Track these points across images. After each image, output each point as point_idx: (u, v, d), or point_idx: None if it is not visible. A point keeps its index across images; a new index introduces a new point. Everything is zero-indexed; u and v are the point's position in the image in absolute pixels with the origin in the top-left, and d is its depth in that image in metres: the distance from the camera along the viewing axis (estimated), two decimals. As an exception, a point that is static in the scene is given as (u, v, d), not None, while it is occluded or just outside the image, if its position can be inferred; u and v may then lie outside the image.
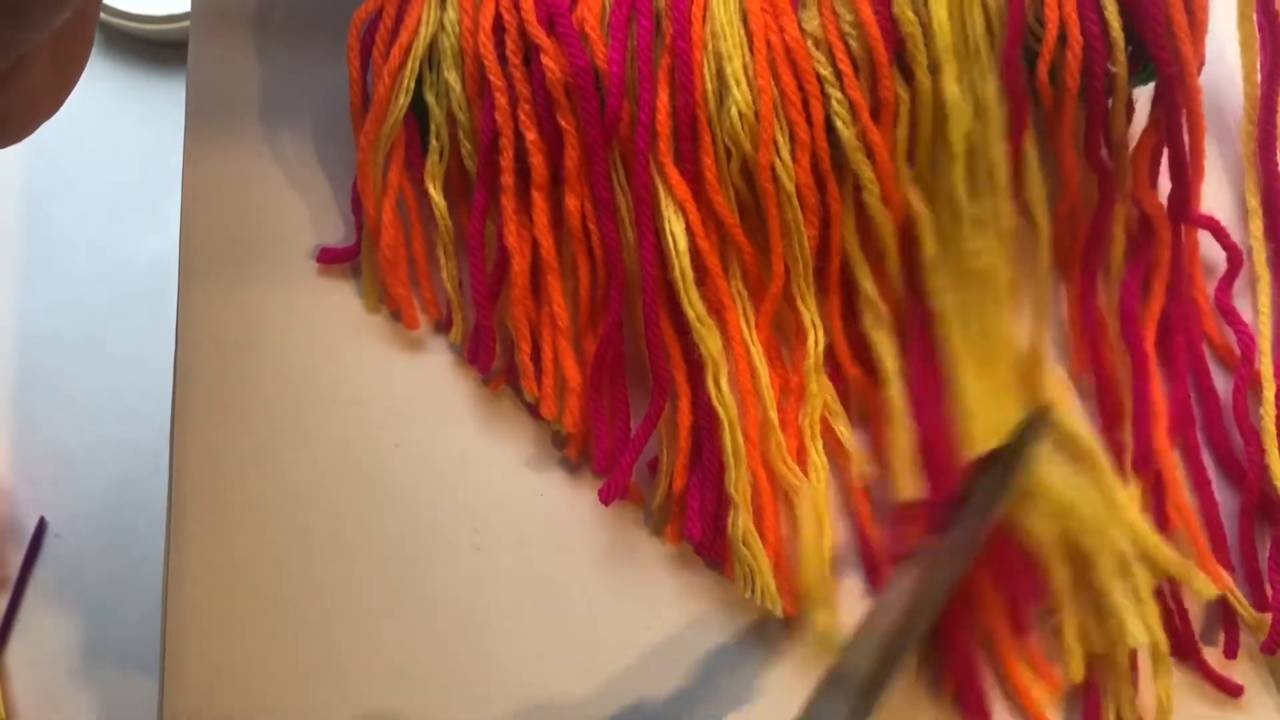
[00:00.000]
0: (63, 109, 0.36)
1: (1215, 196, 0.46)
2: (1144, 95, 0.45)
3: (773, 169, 0.42)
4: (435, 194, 0.44)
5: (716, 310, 0.43)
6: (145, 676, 0.78)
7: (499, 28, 0.42)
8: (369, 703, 0.43)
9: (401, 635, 0.43)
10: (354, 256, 0.46)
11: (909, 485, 0.42)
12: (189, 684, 0.43)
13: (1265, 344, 0.45)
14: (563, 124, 0.42)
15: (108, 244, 0.89)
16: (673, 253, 0.42)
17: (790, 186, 0.42)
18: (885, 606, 0.38)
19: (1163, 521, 0.43)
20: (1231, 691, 0.43)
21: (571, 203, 0.43)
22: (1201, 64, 0.43)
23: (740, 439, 0.42)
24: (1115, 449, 0.44)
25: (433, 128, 0.44)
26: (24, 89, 0.33)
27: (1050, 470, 0.42)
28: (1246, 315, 0.46)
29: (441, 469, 0.45)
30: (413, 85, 0.43)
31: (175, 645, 0.43)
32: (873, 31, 0.41)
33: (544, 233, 0.43)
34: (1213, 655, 0.44)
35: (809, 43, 0.42)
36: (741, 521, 0.42)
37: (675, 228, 0.42)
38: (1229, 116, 0.48)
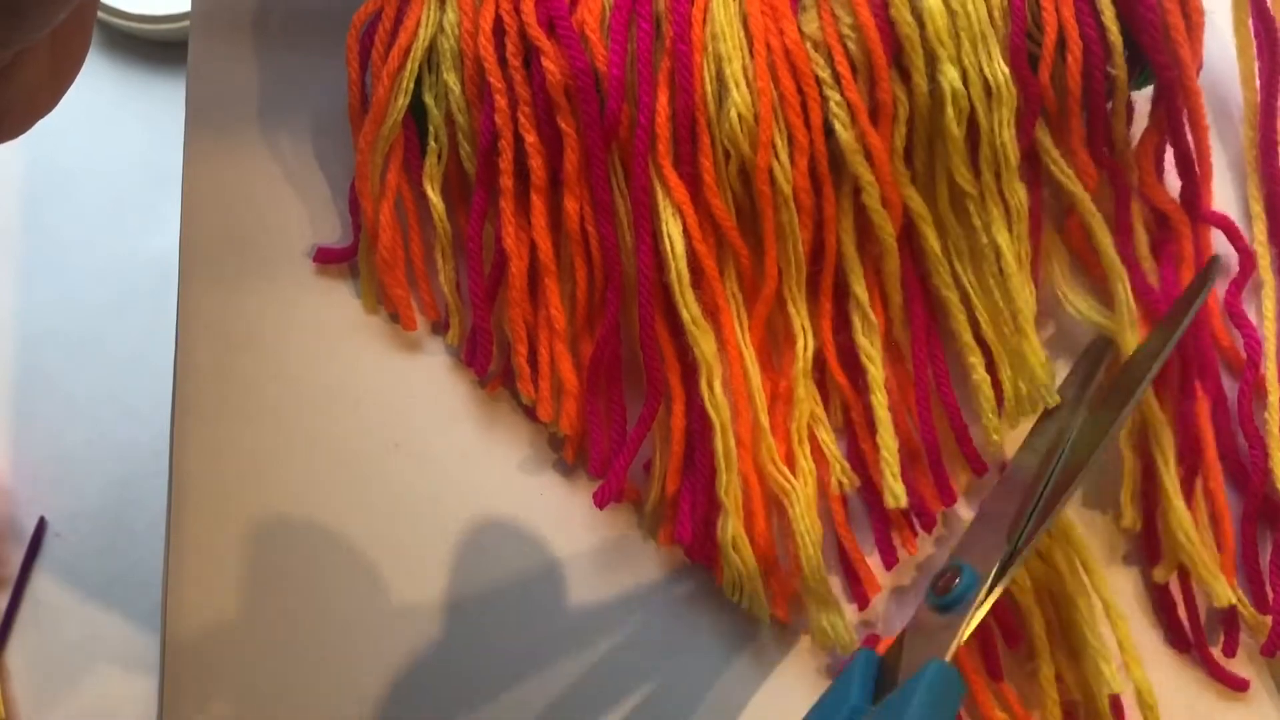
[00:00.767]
0: (63, 108, 0.36)
1: (1218, 201, 0.46)
2: (1141, 97, 0.45)
3: (770, 171, 0.42)
4: (433, 196, 0.44)
5: (711, 313, 0.43)
6: (145, 675, 0.78)
7: (499, 30, 0.42)
8: (368, 702, 0.43)
9: (400, 634, 0.43)
10: (350, 257, 0.46)
11: (896, 492, 0.42)
12: (189, 683, 0.43)
13: (1270, 348, 0.45)
14: (562, 126, 0.42)
15: (107, 243, 0.89)
16: (669, 255, 0.42)
17: (787, 189, 0.42)
18: (1025, 456, 0.42)
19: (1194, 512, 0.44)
20: (1236, 686, 0.43)
21: (570, 205, 0.43)
22: (1200, 66, 0.43)
23: (732, 443, 0.42)
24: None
25: (431, 129, 0.44)
26: (22, 85, 0.33)
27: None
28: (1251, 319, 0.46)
29: (440, 470, 0.45)
30: (411, 87, 0.43)
31: (175, 644, 0.43)
32: (871, 34, 0.41)
33: (542, 235, 0.43)
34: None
35: (808, 45, 0.42)
36: (731, 525, 0.42)
37: (673, 230, 0.42)
38: (1228, 119, 0.48)
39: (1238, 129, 0.48)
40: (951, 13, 0.41)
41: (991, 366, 0.44)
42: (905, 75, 0.42)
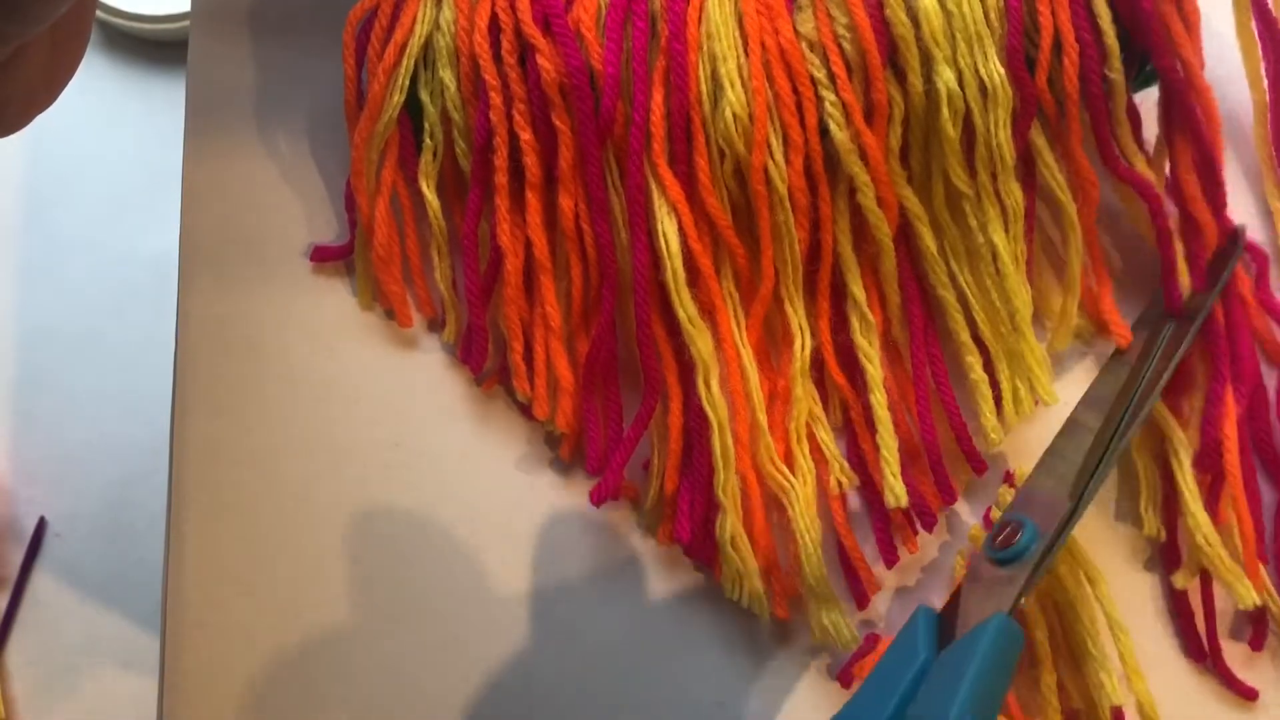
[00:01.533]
0: (63, 108, 0.36)
1: (1234, 200, 0.46)
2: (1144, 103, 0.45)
3: (765, 171, 0.42)
4: (429, 193, 0.44)
5: (708, 312, 0.43)
6: (144, 675, 0.78)
7: (494, 27, 0.42)
8: (368, 701, 0.43)
9: (398, 633, 0.43)
10: (346, 255, 0.46)
11: (897, 491, 0.42)
12: (189, 682, 0.43)
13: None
14: (557, 124, 0.42)
15: (108, 242, 0.89)
16: (665, 254, 0.42)
17: (782, 189, 0.42)
18: (1088, 406, 0.43)
19: (1216, 514, 0.43)
20: (1247, 695, 0.43)
21: (565, 203, 0.43)
22: (1202, 64, 0.43)
23: (729, 442, 0.42)
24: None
25: (427, 126, 0.44)
26: (20, 81, 0.33)
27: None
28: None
29: (437, 468, 0.45)
30: (407, 84, 0.43)
31: (175, 644, 0.43)
32: (866, 34, 0.41)
33: (537, 233, 0.43)
34: (1234, 650, 0.44)
35: (803, 45, 0.42)
36: (730, 524, 0.42)
37: (668, 228, 0.42)
38: (1233, 120, 0.48)
39: (1236, 131, 0.48)
40: (947, 13, 0.41)
41: (989, 366, 0.44)
42: (901, 75, 0.42)
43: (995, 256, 0.43)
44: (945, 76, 0.41)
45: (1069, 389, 0.45)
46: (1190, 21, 0.43)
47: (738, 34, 0.42)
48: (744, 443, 0.43)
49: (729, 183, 0.42)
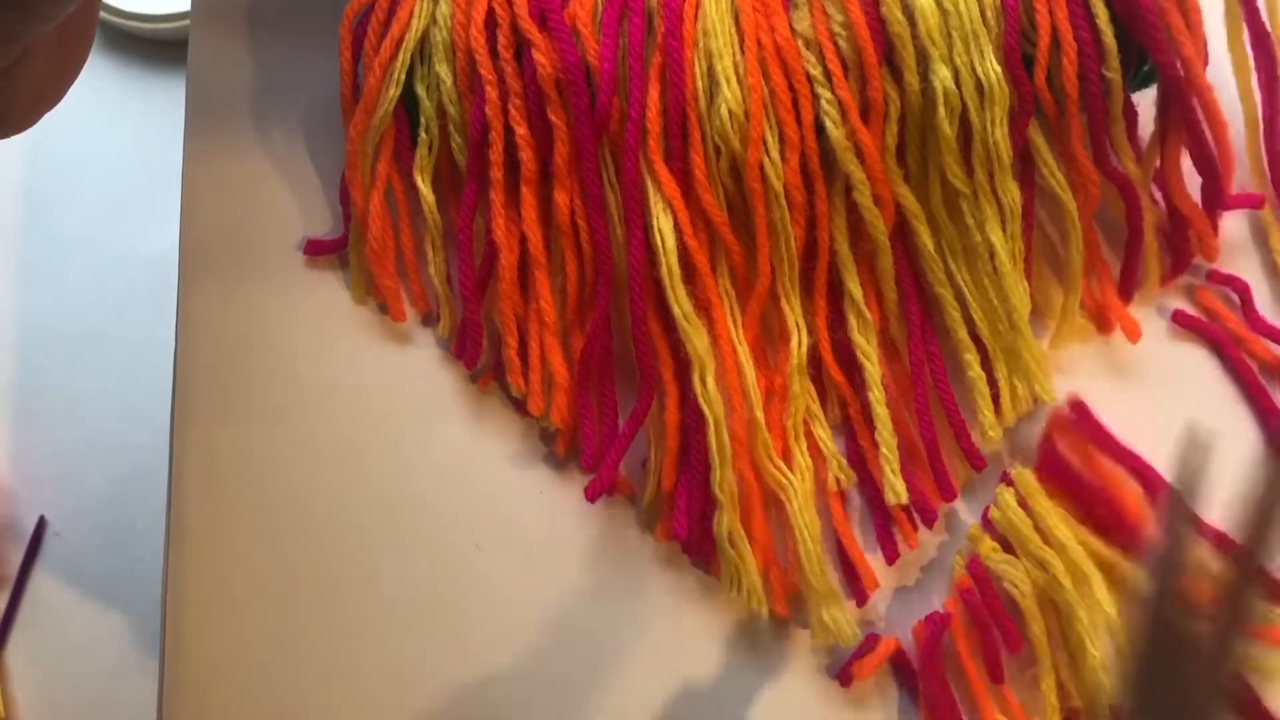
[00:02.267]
0: (63, 107, 0.37)
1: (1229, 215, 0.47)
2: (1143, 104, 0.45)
3: (761, 168, 0.42)
4: (424, 187, 0.44)
5: (704, 308, 0.43)
6: (145, 674, 0.78)
7: (491, 22, 0.42)
8: (369, 701, 0.43)
9: (397, 631, 0.43)
10: (339, 248, 0.46)
11: (897, 489, 0.42)
12: (189, 682, 0.43)
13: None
14: (553, 119, 0.42)
15: (107, 242, 0.89)
16: (660, 250, 0.42)
17: (778, 186, 0.42)
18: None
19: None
20: None
21: (561, 198, 0.43)
22: (1206, 61, 0.43)
23: (726, 438, 0.42)
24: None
25: (423, 121, 0.44)
26: (28, 81, 0.34)
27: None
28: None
29: (440, 466, 0.45)
30: (403, 78, 0.43)
31: (175, 643, 0.43)
32: (862, 32, 0.41)
33: (532, 228, 0.43)
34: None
35: (799, 42, 0.42)
36: (727, 521, 0.42)
37: (663, 225, 0.42)
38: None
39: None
40: (943, 12, 0.41)
41: (987, 364, 0.44)
42: (897, 74, 0.42)
43: (992, 255, 0.43)
44: (942, 75, 0.41)
45: (1065, 387, 0.45)
46: (1191, 19, 0.43)
47: (734, 31, 0.42)
48: (741, 440, 0.42)
49: (725, 180, 0.42)
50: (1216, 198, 0.45)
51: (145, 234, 0.89)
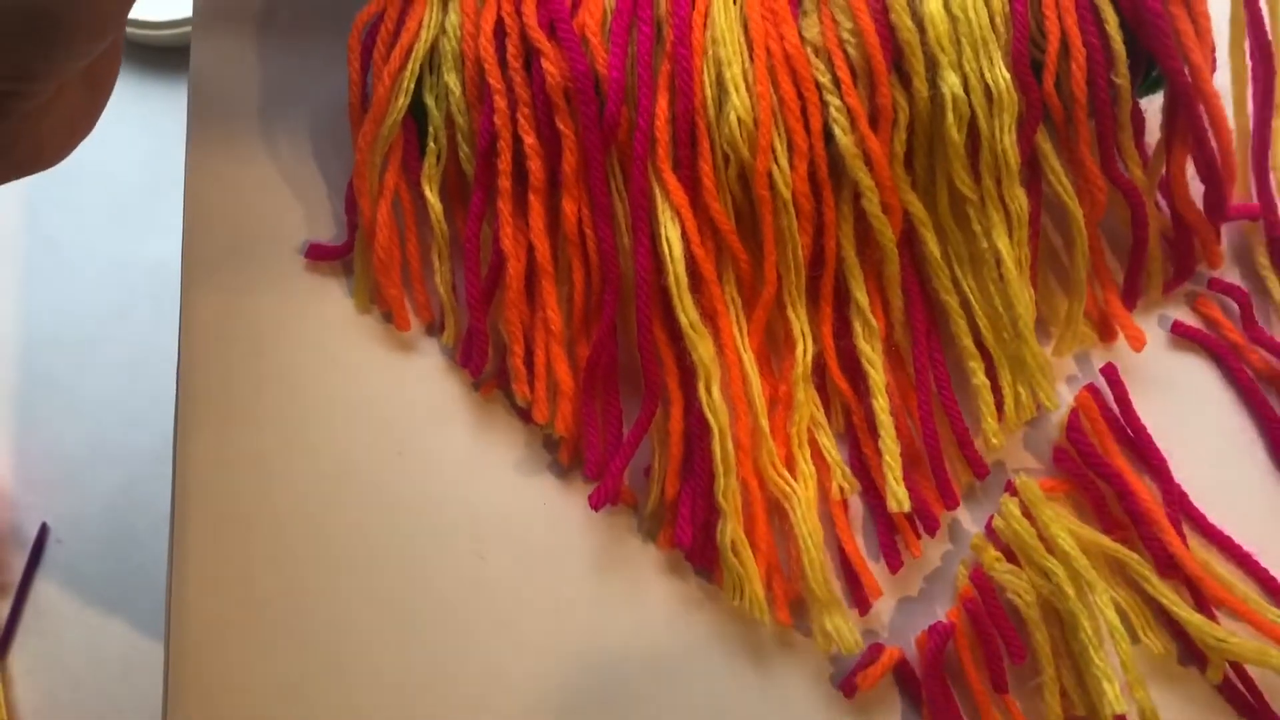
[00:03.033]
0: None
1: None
2: (1151, 111, 0.45)
3: (770, 176, 0.42)
4: (431, 196, 0.44)
5: (710, 317, 0.43)
6: (148, 681, 0.78)
7: (500, 32, 0.42)
8: (374, 710, 0.43)
9: (400, 638, 0.43)
10: (342, 255, 0.46)
11: (899, 496, 0.42)
12: (194, 689, 0.43)
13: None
14: (562, 128, 0.42)
15: (109, 248, 0.90)
16: (668, 258, 0.42)
17: (786, 194, 0.42)
18: None
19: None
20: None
21: (569, 207, 0.43)
22: (1214, 68, 0.43)
23: (730, 447, 0.42)
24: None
25: (431, 130, 0.44)
26: (62, 115, 0.35)
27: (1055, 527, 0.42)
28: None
29: (436, 472, 0.45)
30: (412, 87, 0.43)
31: (179, 651, 0.43)
32: (871, 39, 0.41)
33: (540, 237, 0.43)
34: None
35: (808, 50, 0.42)
36: (730, 529, 0.42)
37: (671, 233, 0.42)
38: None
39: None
40: (952, 18, 0.41)
41: (991, 371, 0.44)
42: (906, 80, 0.42)
43: (999, 262, 0.43)
44: (950, 81, 0.41)
45: (1068, 395, 0.45)
46: (1200, 26, 0.42)
47: (742, 39, 0.42)
48: (745, 448, 0.42)
49: (733, 188, 0.42)
50: (1219, 206, 0.45)
51: (147, 240, 0.89)
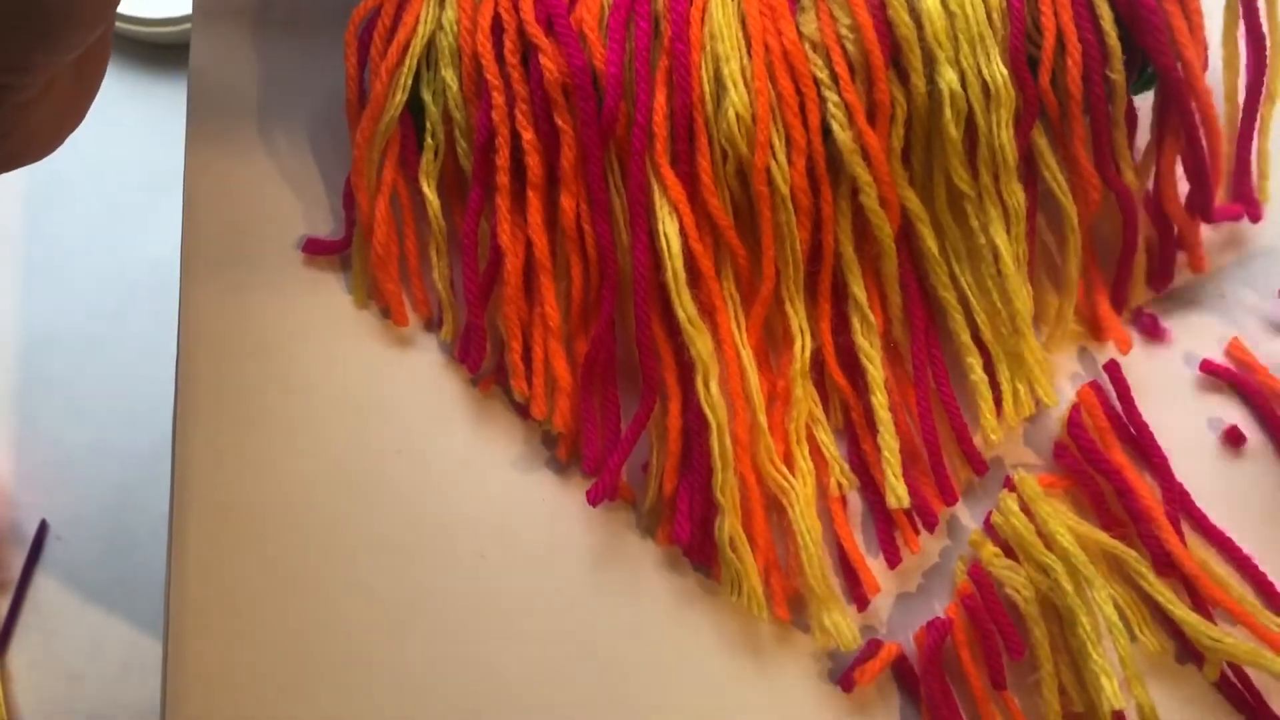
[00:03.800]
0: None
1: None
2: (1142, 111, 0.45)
3: (768, 172, 0.42)
4: (429, 192, 0.44)
5: (708, 312, 0.43)
6: (147, 679, 0.78)
7: (497, 27, 0.42)
8: (372, 708, 0.43)
9: (398, 637, 0.43)
10: (340, 249, 0.46)
11: (899, 493, 0.42)
12: (192, 686, 0.43)
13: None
14: (560, 124, 0.42)
15: (109, 247, 0.90)
16: (666, 254, 0.42)
17: (785, 189, 0.42)
18: None
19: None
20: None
21: (567, 202, 0.43)
22: (1205, 66, 0.43)
23: (728, 443, 0.42)
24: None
25: (429, 126, 0.44)
26: (52, 107, 0.35)
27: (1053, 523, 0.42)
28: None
29: (434, 470, 0.45)
30: (410, 83, 0.43)
31: (178, 649, 0.43)
32: (870, 34, 0.41)
33: (538, 232, 0.43)
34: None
35: (806, 46, 0.42)
36: (729, 525, 0.42)
37: (669, 229, 0.42)
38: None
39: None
40: (950, 14, 0.41)
41: (990, 367, 0.44)
42: (904, 76, 0.42)
43: (997, 257, 0.43)
44: (948, 77, 0.41)
45: (1067, 390, 0.45)
46: (1194, 23, 0.42)
47: (740, 34, 0.42)
48: (743, 443, 0.42)
49: (731, 183, 0.42)
50: (1204, 208, 0.45)
51: (146, 238, 0.89)
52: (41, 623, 0.80)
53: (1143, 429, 0.44)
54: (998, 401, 0.44)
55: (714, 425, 0.42)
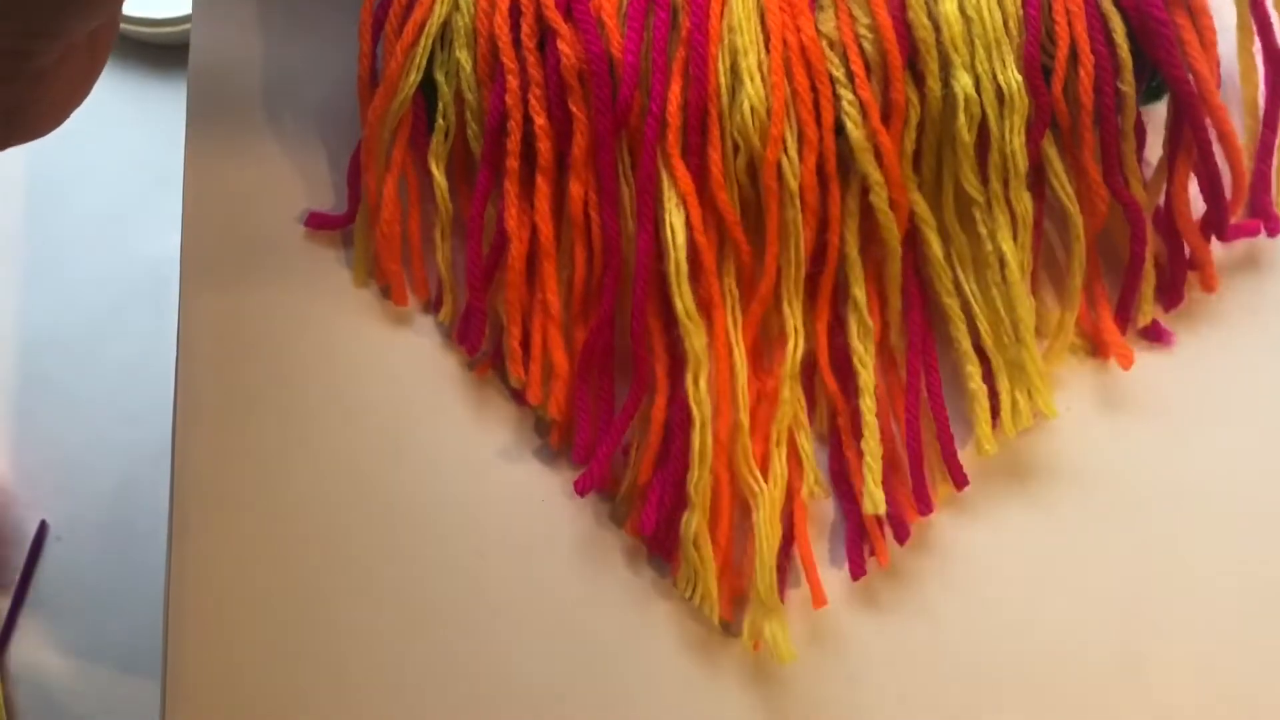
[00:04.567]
0: (63, 111, 0.37)
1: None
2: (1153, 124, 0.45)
3: (778, 167, 0.42)
4: (438, 174, 0.44)
5: (706, 308, 0.43)
6: (146, 680, 0.78)
7: (515, 10, 0.42)
8: (371, 707, 0.42)
9: (397, 634, 0.43)
10: (342, 225, 0.46)
11: (876, 498, 0.42)
12: (192, 687, 0.42)
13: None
14: (574, 110, 0.42)
15: (108, 247, 0.90)
16: (670, 245, 0.42)
17: (794, 185, 0.42)
18: None
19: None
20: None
21: (575, 190, 0.43)
22: (1219, 80, 0.43)
23: (709, 440, 0.42)
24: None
25: (440, 107, 0.44)
26: (65, 78, 0.35)
27: None
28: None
29: (444, 472, 0.44)
30: (424, 63, 0.43)
31: (177, 649, 0.43)
32: (888, 35, 0.41)
33: (544, 219, 0.43)
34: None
35: (824, 43, 0.42)
36: (695, 522, 0.41)
37: (675, 220, 0.42)
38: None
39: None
40: (967, 19, 0.41)
41: (989, 376, 0.44)
42: (919, 79, 0.42)
43: (1003, 265, 0.43)
44: (963, 82, 0.41)
45: (1065, 403, 0.45)
46: (1205, 38, 0.42)
47: (759, 29, 0.42)
48: (722, 442, 0.42)
49: (740, 178, 0.42)
50: (1221, 225, 0.44)
51: (146, 237, 0.89)
52: (41, 623, 0.80)
53: None
54: (995, 412, 0.43)
55: (698, 421, 0.42)
